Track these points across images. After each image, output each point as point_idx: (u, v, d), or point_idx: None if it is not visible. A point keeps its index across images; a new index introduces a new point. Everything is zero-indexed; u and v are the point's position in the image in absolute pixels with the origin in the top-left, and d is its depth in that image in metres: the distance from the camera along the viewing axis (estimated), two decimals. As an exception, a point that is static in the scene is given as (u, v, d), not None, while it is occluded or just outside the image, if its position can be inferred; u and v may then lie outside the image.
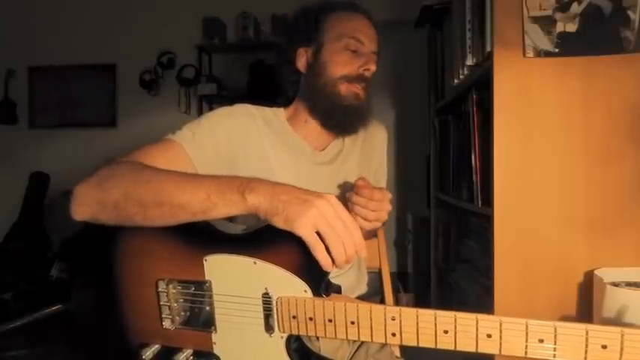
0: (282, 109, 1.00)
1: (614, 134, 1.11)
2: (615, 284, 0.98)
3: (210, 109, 3.31)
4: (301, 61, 0.97)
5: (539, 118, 1.13)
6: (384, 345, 0.97)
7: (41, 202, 3.28)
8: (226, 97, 3.21)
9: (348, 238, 0.63)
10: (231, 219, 0.91)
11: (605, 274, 1.05)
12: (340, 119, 0.95)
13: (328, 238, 0.63)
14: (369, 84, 0.95)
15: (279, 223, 0.64)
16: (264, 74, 3.03)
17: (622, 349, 0.51)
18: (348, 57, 0.93)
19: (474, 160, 1.43)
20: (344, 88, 0.93)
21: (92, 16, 3.50)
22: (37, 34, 3.54)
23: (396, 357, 1.00)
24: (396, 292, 1.97)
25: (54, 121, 3.56)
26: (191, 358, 0.74)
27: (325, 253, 0.63)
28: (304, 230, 0.62)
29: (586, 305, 1.11)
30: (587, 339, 0.52)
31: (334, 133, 1.00)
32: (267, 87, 1.04)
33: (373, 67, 0.94)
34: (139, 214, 0.70)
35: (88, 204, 0.73)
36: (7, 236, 3.14)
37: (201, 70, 3.37)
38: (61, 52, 3.52)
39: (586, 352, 0.52)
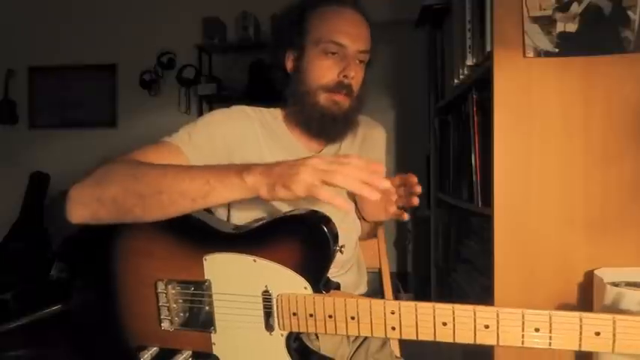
0: (279, 110, 0.99)
1: (614, 134, 1.11)
2: (615, 284, 0.98)
3: (211, 109, 3.31)
4: (289, 64, 0.95)
5: (539, 118, 1.13)
6: (383, 345, 0.97)
7: (41, 202, 3.28)
8: (226, 97, 3.21)
9: (348, 168, 0.63)
10: (228, 219, 0.91)
11: (605, 274, 1.05)
12: (320, 129, 0.92)
13: (331, 179, 0.63)
14: (351, 90, 0.90)
15: (280, 193, 0.64)
16: (264, 74, 3.01)
17: (614, 335, 0.52)
18: (328, 63, 0.89)
19: (474, 160, 1.43)
20: (323, 98, 0.90)
21: (92, 16, 3.50)
22: (37, 34, 3.54)
23: (396, 357, 1.00)
24: (395, 291, 1.97)
25: (54, 121, 3.56)
26: (190, 359, 0.74)
27: (335, 194, 0.63)
28: (303, 187, 0.63)
29: (586, 305, 1.11)
30: (581, 326, 0.54)
31: (316, 140, 0.97)
32: (267, 87, 1.03)
33: (352, 73, 0.88)
34: (138, 205, 0.70)
35: (85, 203, 0.73)
36: (7, 236, 3.14)
37: (201, 70, 3.37)
38: (61, 52, 3.52)
39: (580, 339, 0.54)
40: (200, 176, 0.68)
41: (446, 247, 2.11)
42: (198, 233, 0.73)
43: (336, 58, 0.89)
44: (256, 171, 0.66)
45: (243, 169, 0.67)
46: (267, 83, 1.03)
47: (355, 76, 0.90)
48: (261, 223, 0.68)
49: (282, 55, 0.95)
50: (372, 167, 0.65)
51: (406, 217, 0.90)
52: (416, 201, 0.87)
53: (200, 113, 3.32)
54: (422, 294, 2.67)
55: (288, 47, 0.94)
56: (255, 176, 0.66)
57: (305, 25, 0.91)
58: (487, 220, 1.26)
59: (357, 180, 0.63)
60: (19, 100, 3.59)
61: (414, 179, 0.87)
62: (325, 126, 0.92)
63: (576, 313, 0.54)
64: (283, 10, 0.97)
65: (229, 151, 0.88)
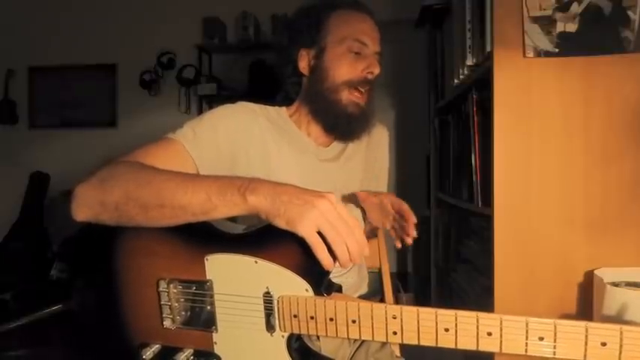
0: (284, 108, 1.00)
1: (614, 134, 1.11)
2: (615, 284, 0.98)
3: (210, 109, 3.30)
4: (303, 63, 0.96)
5: (539, 118, 1.14)
6: (384, 344, 0.97)
7: (41, 202, 3.28)
8: (226, 97, 3.20)
9: (350, 237, 0.64)
10: (233, 219, 0.91)
11: (605, 274, 1.05)
12: (343, 128, 0.94)
13: (330, 238, 0.63)
14: (372, 87, 0.94)
15: (281, 223, 0.64)
16: (264, 74, 3.03)
17: (621, 346, 0.51)
18: (351, 60, 0.92)
19: (474, 160, 1.43)
20: (345, 96, 0.92)
21: (92, 16, 3.50)
22: (37, 34, 3.54)
23: (396, 356, 1.00)
24: (395, 291, 1.97)
25: (54, 121, 3.56)
26: (191, 357, 0.74)
27: (326, 252, 0.63)
28: (306, 230, 0.63)
29: (586, 305, 1.11)
30: (586, 336, 0.52)
31: (337, 139, 1.00)
32: (267, 87, 1.04)
33: (376, 70, 0.92)
34: (140, 214, 0.70)
35: (89, 205, 0.73)
36: (7, 236, 3.14)
37: (201, 70, 3.37)
38: (61, 52, 3.52)
39: (586, 349, 0.53)
40: (203, 191, 0.67)
41: (446, 247, 2.12)
42: (201, 233, 0.73)
43: (359, 56, 0.92)
44: (260, 191, 0.65)
45: (246, 187, 0.66)
46: (267, 83, 1.03)
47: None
48: (263, 224, 0.68)
49: (295, 54, 0.96)
50: (364, 247, 0.66)
51: (399, 245, 0.92)
52: (409, 241, 0.89)
53: (200, 113, 3.31)
54: (422, 294, 2.68)
55: (303, 46, 0.95)
56: (257, 197, 0.65)
57: (326, 26, 0.94)
58: (487, 220, 1.26)
59: (346, 251, 0.64)
60: (19, 100, 3.59)
61: (410, 219, 0.88)
62: (350, 124, 0.94)
63: (582, 323, 0.53)
64: (296, 13, 0.99)
65: (234, 147, 0.89)
